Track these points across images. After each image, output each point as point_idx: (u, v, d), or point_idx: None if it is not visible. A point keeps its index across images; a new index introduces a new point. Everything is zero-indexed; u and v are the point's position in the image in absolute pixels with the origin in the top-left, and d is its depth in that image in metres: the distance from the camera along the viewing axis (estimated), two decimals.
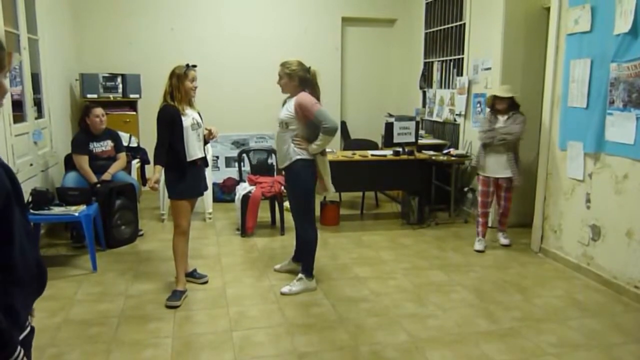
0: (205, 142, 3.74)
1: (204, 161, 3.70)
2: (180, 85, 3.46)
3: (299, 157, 3.61)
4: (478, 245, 4.65)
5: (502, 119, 4.50)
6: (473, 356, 2.87)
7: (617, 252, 3.75)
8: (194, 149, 3.54)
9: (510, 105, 4.45)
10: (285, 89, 3.69)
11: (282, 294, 3.66)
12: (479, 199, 4.72)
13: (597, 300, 3.63)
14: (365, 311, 3.43)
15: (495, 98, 4.49)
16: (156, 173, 3.46)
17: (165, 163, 3.48)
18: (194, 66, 3.55)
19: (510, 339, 3.06)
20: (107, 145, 4.88)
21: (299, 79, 3.63)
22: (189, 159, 3.50)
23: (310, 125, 3.61)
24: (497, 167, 4.54)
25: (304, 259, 3.81)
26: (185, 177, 3.50)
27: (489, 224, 4.95)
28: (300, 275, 3.76)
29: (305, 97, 3.60)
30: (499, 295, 3.71)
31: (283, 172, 3.83)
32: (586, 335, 3.12)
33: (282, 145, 3.68)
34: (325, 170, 3.74)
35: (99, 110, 4.80)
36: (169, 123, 3.43)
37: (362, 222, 5.70)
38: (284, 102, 3.79)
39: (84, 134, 4.79)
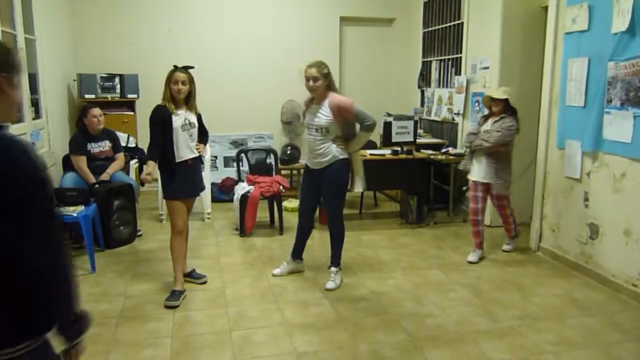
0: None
1: (198, 161, 3.69)
2: (166, 87, 3.49)
3: (342, 156, 3.69)
4: (471, 257, 4.38)
5: (490, 121, 4.27)
6: (472, 355, 2.87)
7: (615, 251, 3.76)
8: (184, 150, 3.54)
9: (505, 108, 4.18)
10: (318, 91, 3.63)
11: (330, 289, 3.74)
12: (469, 205, 4.48)
13: (595, 299, 3.64)
14: (365, 310, 3.43)
15: (491, 100, 4.26)
16: (149, 167, 3.49)
17: (158, 162, 3.50)
18: (189, 67, 3.54)
19: (509, 337, 3.07)
20: (105, 145, 4.88)
21: (330, 78, 3.66)
22: (177, 160, 3.50)
23: (346, 124, 3.69)
24: (479, 170, 4.30)
25: (336, 252, 3.91)
26: (175, 178, 3.50)
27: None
28: (335, 269, 3.89)
29: (341, 98, 3.66)
30: (497, 294, 3.72)
31: (305, 172, 3.88)
32: (584, 333, 3.13)
33: (319, 148, 3.69)
34: (358, 166, 3.85)
35: (96, 111, 4.79)
36: (159, 123, 3.45)
37: (361, 222, 5.70)
38: (308, 107, 3.77)
39: (81, 135, 4.78)
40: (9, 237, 1.27)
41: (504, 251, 4.57)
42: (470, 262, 4.33)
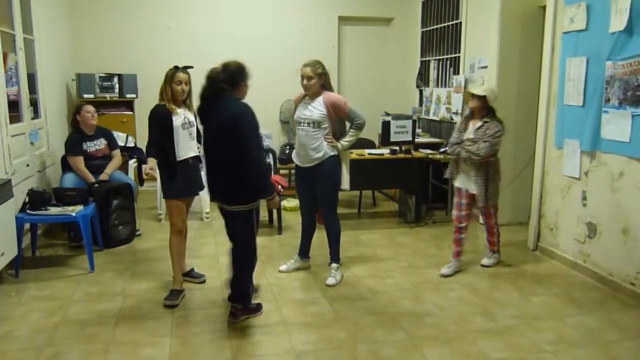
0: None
1: (197, 160, 3.70)
2: (167, 87, 3.49)
3: (332, 153, 3.76)
4: (445, 269, 4.03)
5: (472, 127, 3.91)
6: (470, 354, 2.88)
7: (613, 250, 3.77)
8: (185, 148, 3.54)
9: (484, 108, 3.85)
10: (312, 89, 3.71)
11: (330, 285, 3.79)
12: (453, 211, 4.19)
13: (593, 298, 3.65)
14: (363, 309, 3.44)
15: (470, 95, 3.94)
16: (151, 162, 3.49)
17: (158, 161, 3.50)
18: (189, 67, 3.55)
19: (507, 336, 3.08)
20: (101, 143, 4.87)
21: (325, 77, 3.73)
22: (178, 159, 3.50)
23: (337, 122, 3.78)
24: (466, 179, 4.00)
25: (334, 248, 3.97)
26: (176, 177, 3.50)
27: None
28: (336, 265, 3.95)
29: (335, 96, 3.79)
30: (496, 293, 3.72)
31: (297, 170, 3.94)
32: (583, 332, 3.14)
33: (311, 143, 3.74)
34: (346, 165, 3.91)
35: (90, 107, 4.80)
36: (159, 122, 3.45)
37: (360, 221, 5.71)
38: (299, 102, 3.82)
39: (76, 135, 4.76)
40: (245, 149, 2.86)
41: (482, 265, 4.18)
42: (443, 276, 3.99)
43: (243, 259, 3.17)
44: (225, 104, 2.93)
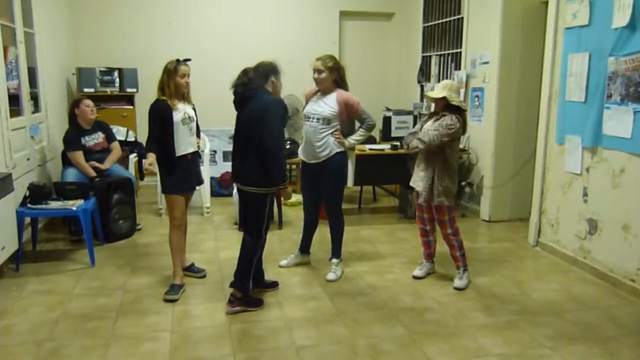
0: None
1: (196, 155, 3.70)
2: (170, 80, 3.44)
3: (339, 149, 3.74)
4: (417, 271, 3.91)
5: (432, 121, 3.63)
6: (470, 349, 2.88)
7: (613, 246, 3.77)
8: (184, 144, 3.53)
9: (448, 107, 3.54)
10: (323, 83, 3.70)
11: (330, 280, 3.81)
12: (416, 213, 3.92)
13: (593, 294, 3.65)
14: (363, 305, 3.44)
15: (431, 100, 3.71)
16: (150, 157, 3.48)
17: (157, 156, 3.49)
18: (187, 60, 3.53)
19: (507, 332, 3.08)
20: (99, 137, 4.86)
21: (337, 72, 3.70)
22: (178, 154, 3.49)
23: (347, 120, 3.81)
24: (416, 176, 3.73)
25: (336, 244, 3.97)
26: (175, 172, 3.50)
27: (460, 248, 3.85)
28: (336, 260, 3.95)
29: (349, 95, 3.75)
30: (495, 288, 3.72)
31: (304, 166, 3.93)
32: (582, 328, 3.14)
33: (318, 139, 3.72)
34: (352, 162, 3.94)
35: (89, 101, 4.79)
36: (159, 118, 3.43)
37: (360, 217, 5.71)
38: (310, 97, 3.83)
39: (74, 130, 4.74)
40: (264, 136, 3.09)
41: (455, 288, 3.70)
42: (415, 278, 3.86)
43: (248, 244, 3.33)
44: (257, 96, 3.20)
